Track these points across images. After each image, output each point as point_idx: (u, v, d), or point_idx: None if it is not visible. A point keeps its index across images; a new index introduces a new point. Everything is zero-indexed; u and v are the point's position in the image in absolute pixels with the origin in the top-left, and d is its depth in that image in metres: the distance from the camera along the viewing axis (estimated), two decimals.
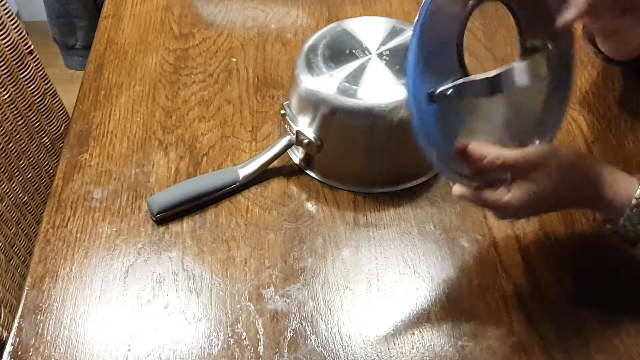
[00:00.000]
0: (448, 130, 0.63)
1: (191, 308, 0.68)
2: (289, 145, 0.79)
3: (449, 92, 0.61)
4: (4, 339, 0.66)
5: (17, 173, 0.96)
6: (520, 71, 0.64)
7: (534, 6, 0.66)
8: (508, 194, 0.61)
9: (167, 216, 0.75)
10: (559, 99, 0.71)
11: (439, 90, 0.61)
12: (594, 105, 0.89)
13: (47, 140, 1.04)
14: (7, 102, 0.94)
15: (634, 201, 0.61)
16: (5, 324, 0.76)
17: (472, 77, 0.62)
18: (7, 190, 0.93)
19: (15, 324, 0.66)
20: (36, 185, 1.02)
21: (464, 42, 0.62)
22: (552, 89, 0.70)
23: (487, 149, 0.61)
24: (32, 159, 1.00)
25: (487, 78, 0.62)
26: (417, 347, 0.64)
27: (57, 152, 1.06)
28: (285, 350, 0.64)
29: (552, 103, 0.70)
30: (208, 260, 0.71)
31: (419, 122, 0.60)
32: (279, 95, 0.90)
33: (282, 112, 0.80)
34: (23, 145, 0.98)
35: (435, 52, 0.61)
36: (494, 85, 0.63)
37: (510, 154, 0.61)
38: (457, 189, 0.65)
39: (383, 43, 0.79)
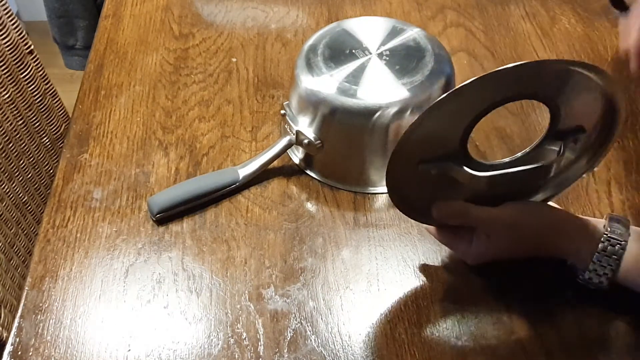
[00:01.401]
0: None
1: (191, 308, 0.68)
2: (289, 145, 0.79)
3: (433, 172, 0.62)
4: (4, 339, 0.66)
5: (17, 173, 0.96)
6: (518, 175, 0.63)
7: (580, 95, 0.60)
8: (471, 247, 0.66)
9: (167, 216, 0.75)
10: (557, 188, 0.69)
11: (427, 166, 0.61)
12: None
13: (47, 140, 1.04)
14: (7, 102, 0.94)
15: (596, 255, 0.62)
16: (5, 324, 0.76)
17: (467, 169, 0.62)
18: (7, 190, 0.93)
19: (15, 324, 0.66)
20: (36, 185, 1.02)
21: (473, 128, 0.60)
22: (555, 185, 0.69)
23: (454, 205, 0.65)
24: (32, 159, 1.00)
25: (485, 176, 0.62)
26: (417, 347, 0.64)
27: (57, 152, 1.06)
28: (285, 350, 0.64)
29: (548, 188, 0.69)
30: (208, 260, 0.71)
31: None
32: (279, 95, 0.90)
33: (282, 112, 0.80)
34: (23, 145, 0.98)
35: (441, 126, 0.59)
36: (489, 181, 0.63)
37: (477, 211, 0.64)
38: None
39: (383, 43, 0.79)
